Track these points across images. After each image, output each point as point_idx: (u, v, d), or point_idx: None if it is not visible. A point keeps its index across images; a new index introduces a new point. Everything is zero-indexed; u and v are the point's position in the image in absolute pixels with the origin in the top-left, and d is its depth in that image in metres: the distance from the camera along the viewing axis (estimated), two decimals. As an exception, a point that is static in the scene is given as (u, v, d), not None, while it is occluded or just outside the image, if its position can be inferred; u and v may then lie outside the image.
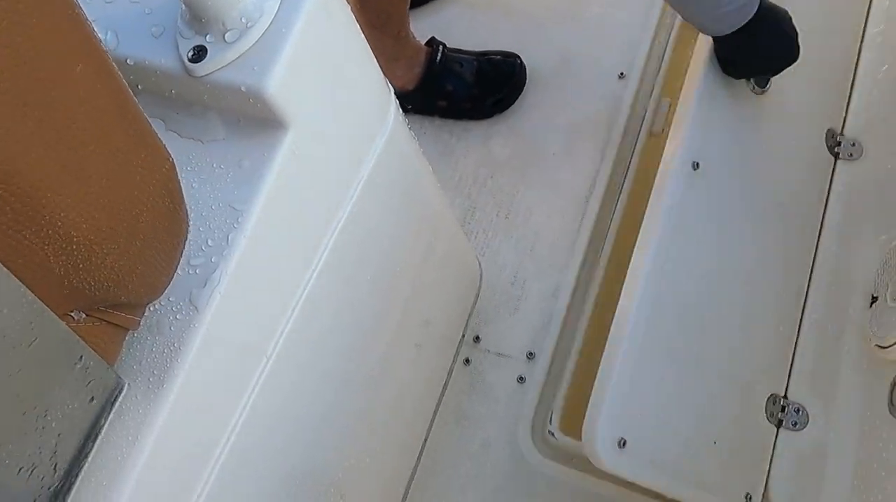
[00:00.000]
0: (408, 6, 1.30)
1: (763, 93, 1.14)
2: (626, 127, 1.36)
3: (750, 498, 1.09)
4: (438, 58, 1.37)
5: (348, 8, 0.67)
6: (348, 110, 0.72)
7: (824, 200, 1.25)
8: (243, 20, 0.58)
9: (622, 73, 1.40)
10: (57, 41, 0.36)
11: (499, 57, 1.41)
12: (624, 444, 0.95)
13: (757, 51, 0.99)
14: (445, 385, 1.23)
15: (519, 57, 1.41)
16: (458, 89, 1.39)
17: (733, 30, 0.93)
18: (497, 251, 1.32)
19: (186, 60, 0.58)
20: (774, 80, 1.14)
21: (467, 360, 1.26)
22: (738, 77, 1.07)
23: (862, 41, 1.35)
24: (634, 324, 0.96)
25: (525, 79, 1.41)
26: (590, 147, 1.37)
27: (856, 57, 1.33)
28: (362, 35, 0.70)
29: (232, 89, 0.58)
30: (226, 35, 0.58)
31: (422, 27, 1.41)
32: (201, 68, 0.57)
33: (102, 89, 0.40)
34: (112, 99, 0.41)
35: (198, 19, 0.58)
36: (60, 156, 0.36)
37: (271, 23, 0.58)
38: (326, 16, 0.62)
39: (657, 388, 1.01)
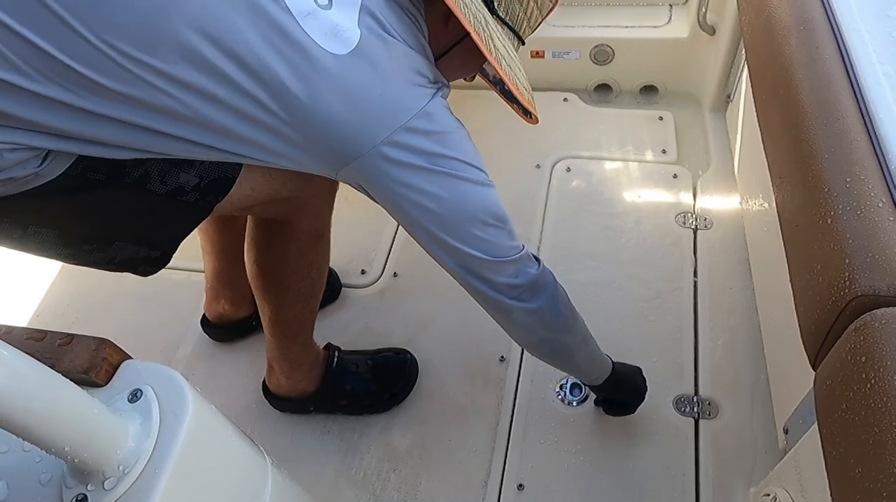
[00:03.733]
0: (316, 316, 1.44)
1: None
2: (512, 408, 1.49)
3: None
4: (335, 362, 1.50)
5: (219, 415, 0.78)
6: (231, 494, 0.79)
7: (694, 464, 1.38)
8: (121, 468, 0.67)
9: (502, 357, 1.56)
10: None
11: (391, 353, 1.55)
12: None
13: (623, 392, 1.35)
14: None
15: (409, 352, 1.56)
16: (357, 387, 1.50)
17: (601, 381, 1.27)
18: (406, 548, 1.35)
19: (69, 506, 0.66)
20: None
21: None
22: (616, 415, 1.40)
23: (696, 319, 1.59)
24: None
25: (417, 371, 1.55)
26: (482, 430, 1.48)
27: (693, 334, 1.56)
28: (235, 430, 0.80)
29: (110, 529, 0.66)
30: (105, 483, 0.66)
31: (322, 327, 1.54)
32: (82, 515, 0.65)
33: None
34: None
35: (80, 472, 0.67)
36: None
37: (146, 465, 0.68)
38: (201, 439, 0.72)
39: None
